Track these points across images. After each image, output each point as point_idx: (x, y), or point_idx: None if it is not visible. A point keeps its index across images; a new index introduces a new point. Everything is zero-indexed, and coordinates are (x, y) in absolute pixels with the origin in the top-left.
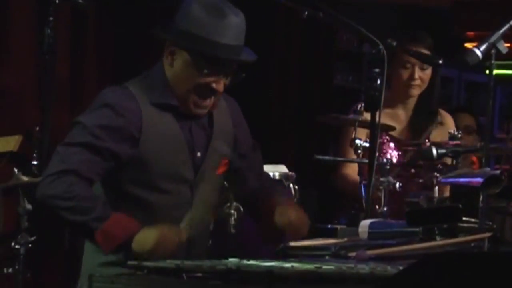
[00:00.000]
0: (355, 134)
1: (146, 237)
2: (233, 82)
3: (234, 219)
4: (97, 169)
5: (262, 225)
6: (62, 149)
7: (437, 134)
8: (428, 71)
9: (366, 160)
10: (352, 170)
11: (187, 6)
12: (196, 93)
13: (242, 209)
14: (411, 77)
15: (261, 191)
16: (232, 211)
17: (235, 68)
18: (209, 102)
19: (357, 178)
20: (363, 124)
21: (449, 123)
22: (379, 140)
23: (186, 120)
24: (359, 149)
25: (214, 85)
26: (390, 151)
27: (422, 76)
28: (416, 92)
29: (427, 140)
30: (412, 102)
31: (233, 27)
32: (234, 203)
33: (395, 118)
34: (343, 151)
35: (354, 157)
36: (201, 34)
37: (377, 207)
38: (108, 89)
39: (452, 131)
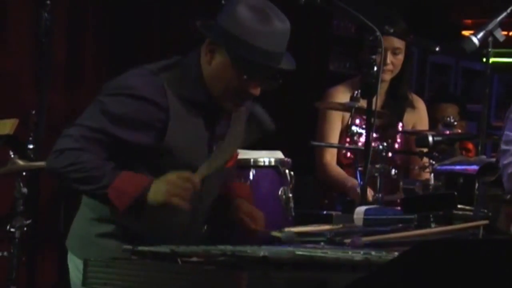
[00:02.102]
0: (350, 120)
1: (157, 190)
2: (270, 87)
3: None
4: (106, 154)
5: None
6: (75, 129)
7: (409, 118)
8: (400, 56)
9: (361, 147)
10: (331, 157)
11: (233, 6)
12: (232, 94)
13: None
14: (383, 62)
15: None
16: None
17: (274, 76)
18: (242, 104)
19: (336, 168)
20: (360, 111)
21: (421, 107)
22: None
23: (211, 115)
24: (355, 136)
25: (252, 90)
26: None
27: (394, 61)
28: (387, 77)
29: (400, 125)
30: (384, 87)
31: (278, 34)
32: None
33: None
34: (320, 135)
35: (333, 141)
36: (245, 38)
37: (372, 193)
38: (138, 71)
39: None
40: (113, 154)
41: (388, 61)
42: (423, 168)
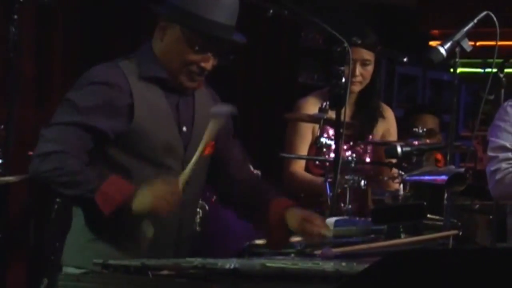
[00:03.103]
0: (319, 132)
1: (142, 199)
2: (221, 63)
3: (200, 217)
4: (87, 147)
5: (266, 227)
6: (52, 129)
7: (379, 128)
8: (370, 68)
9: (330, 158)
10: (298, 167)
11: None
12: (186, 69)
13: (207, 207)
14: (352, 74)
15: (253, 189)
16: (198, 209)
17: (225, 49)
18: (198, 78)
19: (305, 175)
20: (329, 122)
21: (390, 117)
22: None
23: (173, 94)
24: (324, 147)
25: (202, 63)
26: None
27: (363, 72)
28: (356, 88)
29: (370, 136)
30: (353, 97)
31: (226, 7)
32: (200, 201)
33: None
34: (289, 147)
35: (302, 152)
36: (194, 11)
37: (342, 204)
38: (96, 66)
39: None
40: (91, 146)
41: (357, 72)
42: (392, 178)
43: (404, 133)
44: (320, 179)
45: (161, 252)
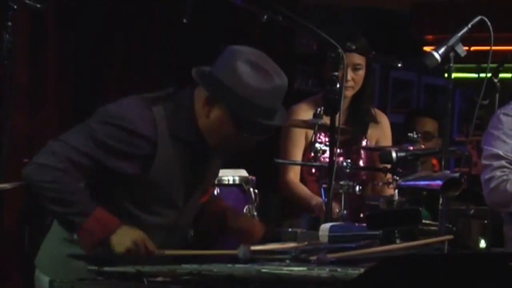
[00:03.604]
0: (314, 138)
1: (123, 237)
2: (262, 139)
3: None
4: (88, 175)
5: (211, 230)
6: (63, 147)
7: (373, 133)
8: (361, 72)
9: (324, 164)
10: (294, 175)
11: (232, 61)
12: (228, 146)
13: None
14: (344, 78)
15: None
16: None
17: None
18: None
19: (299, 189)
20: (323, 128)
21: (384, 122)
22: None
23: (197, 155)
24: (319, 153)
25: (248, 144)
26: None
27: (354, 77)
28: (349, 93)
29: (365, 140)
30: (345, 103)
31: (278, 92)
32: None
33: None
34: (283, 153)
35: (296, 158)
36: (246, 96)
37: (336, 210)
38: (132, 102)
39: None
40: (94, 179)
41: (349, 77)
42: (387, 184)
43: (403, 137)
44: (315, 200)
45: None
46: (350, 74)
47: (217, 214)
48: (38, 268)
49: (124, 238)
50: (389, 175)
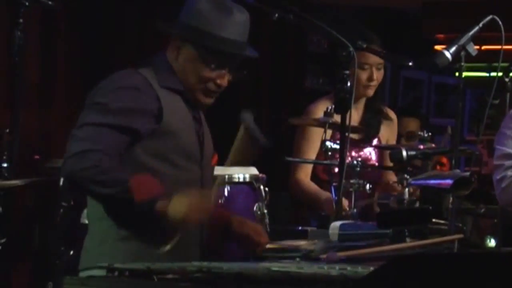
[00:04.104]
0: (325, 136)
1: (179, 204)
2: (235, 78)
3: None
4: (121, 148)
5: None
6: (85, 129)
7: (385, 132)
8: (382, 71)
9: (336, 162)
10: (304, 175)
11: (194, 2)
12: (202, 86)
13: None
14: (370, 78)
15: None
16: None
17: (239, 65)
18: (214, 95)
19: (309, 186)
20: (333, 126)
21: (394, 120)
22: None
23: (191, 107)
24: (329, 151)
25: (219, 80)
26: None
27: (378, 76)
28: (372, 92)
29: (376, 139)
30: (362, 101)
31: (239, 24)
32: None
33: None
34: (297, 151)
35: (310, 156)
36: (208, 30)
37: (347, 208)
38: (119, 73)
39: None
40: (124, 147)
41: (375, 76)
42: (397, 182)
43: None
44: (325, 195)
45: (187, 252)
46: (375, 74)
47: (222, 221)
48: (88, 268)
49: (181, 202)
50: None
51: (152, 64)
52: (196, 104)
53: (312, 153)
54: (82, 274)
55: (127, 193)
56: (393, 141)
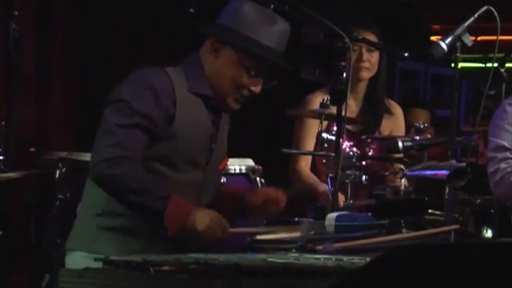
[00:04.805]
0: (321, 127)
1: (203, 216)
2: (266, 86)
3: None
4: (143, 148)
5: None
6: (116, 132)
7: (387, 125)
8: (375, 54)
9: (332, 153)
10: (305, 164)
11: (237, 6)
12: (235, 91)
13: None
14: (359, 59)
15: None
16: None
17: (278, 74)
18: (243, 101)
19: (309, 174)
20: (329, 117)
21: (398, 113)
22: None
23: (214, 111)
24: (325, 143)
25: (253, 87)
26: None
27: (369, 58)
28: (365, 75)
29: (377, 131)
30: (361, 91)
31: (280, 33)
32: None
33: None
34: (295, 142)
35: (309, 148)
36: (252, 36)
37: (343, 199)
38: (147, 70)
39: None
40: (145, 147)
41: (364, 57)
42: (394, 173)
43: None
44: (322, 187)
45: (182, 246)
46: (365, 55)
47: (234, 197)
48: (72, 249)
49: (204, 216)
50: (396, 165)
51: (184, 65)
52: (222, 108)
53: (311, 143)
54: (67, 254)
55: (156, 202)
56: (398, 134)
